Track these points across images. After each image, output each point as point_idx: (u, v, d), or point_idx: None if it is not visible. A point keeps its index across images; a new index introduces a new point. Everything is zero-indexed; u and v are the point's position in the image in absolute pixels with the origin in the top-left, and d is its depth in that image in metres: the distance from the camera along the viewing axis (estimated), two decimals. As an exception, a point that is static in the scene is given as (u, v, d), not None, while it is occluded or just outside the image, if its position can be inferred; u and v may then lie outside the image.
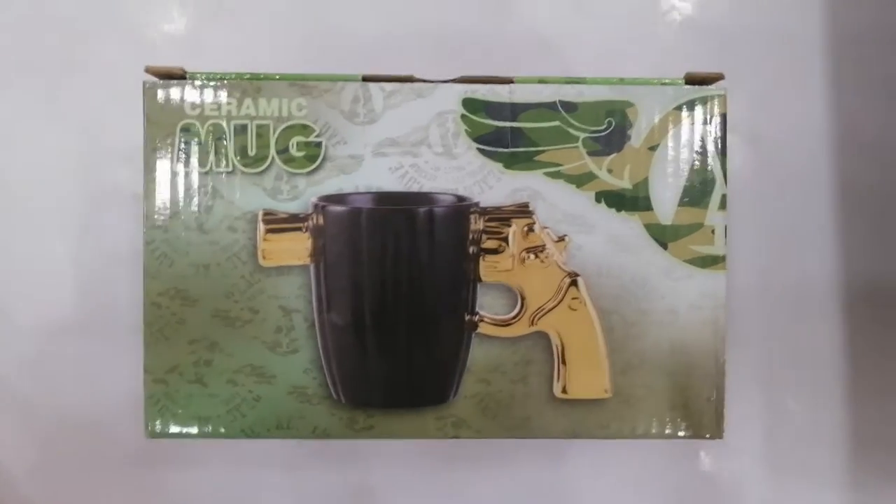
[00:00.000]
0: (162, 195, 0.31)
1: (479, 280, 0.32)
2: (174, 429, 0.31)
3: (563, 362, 0.32)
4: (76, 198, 0.42)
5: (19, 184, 0.42)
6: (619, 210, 0.32)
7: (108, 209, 0.41)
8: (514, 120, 0.32)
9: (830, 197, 0.44)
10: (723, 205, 0.32)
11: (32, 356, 0.41)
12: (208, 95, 0.31)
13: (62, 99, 0.42)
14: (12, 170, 0.42)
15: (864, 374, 0.43)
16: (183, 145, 0.31)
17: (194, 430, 0.31)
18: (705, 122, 0.32)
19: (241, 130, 0.31)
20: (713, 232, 0.32)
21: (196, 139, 0.31)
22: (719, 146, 0.32)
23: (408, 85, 0.31)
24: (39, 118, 0.42)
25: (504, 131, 0.31)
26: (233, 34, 0.42)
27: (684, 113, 0.32)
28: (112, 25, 0.42)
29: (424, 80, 0.32)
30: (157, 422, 0.31)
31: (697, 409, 0.32)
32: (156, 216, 0.31)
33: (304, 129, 0.31)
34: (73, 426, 0.41)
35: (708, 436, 0.32)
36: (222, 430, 0.31)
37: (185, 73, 0.31)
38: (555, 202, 0.32)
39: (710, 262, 0.32)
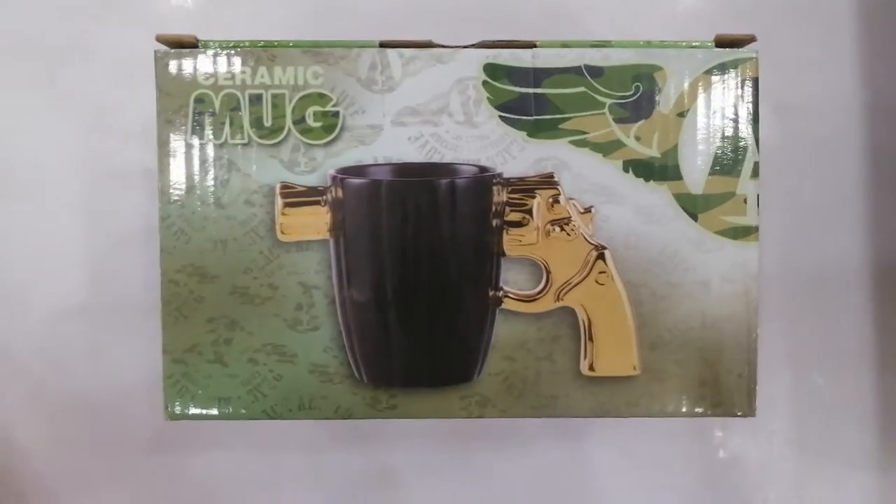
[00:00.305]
0: (177, 169, 0.30)
1: (503, 254, 0.31)
2: (194, 410, 0.30)
3: (591, 339, 0.31)
4: (89, 177, 0.41)
5: (32, 165, 0.41)
6: (647, 180, 0.31)
7: (121, 188, 0.41)
8: (537, 86, 0.30)
9: (861, 167, 0.42)
10: (755, 173, 0.31)
11: (48, 338, 0.41)
12: (222, 64, 0.30)
13: (72, 77, 0.41)
14: (24, 151, 0.41)
15: (892, 353, 0.42)
16: (197, 116, 0.30)
17: (215, 411, 0.30)
18: (737, 87, 0.31)
19: (257, 100, 0.30)
20: (745, 201, 0.31)
21: (210, 110, 0.30)
22: (751, 112, 0.31)
23: (427, 51, 0.30)
24: (49, 98, 0.41)
25: (527, 98, 0.30)
26: (246, 7, 0.41)
27: (715, 77, 0.31)
28: (119, 3, 0.41)
29: (444, 46, 0.30)
30: (177, 403, 0.30)
31: (728, 386, 0.31)
32: (171, 191, 0.30)
33: (321, 98, 0.30)
34: (91, 409, 0.41)
35: (740, 413, 0.31)
36: (243, 410, 0.30)
37: (198, 41, 0.30)
38: (581, 172, 0.30)
39: (743, 232, 0.31)
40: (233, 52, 0.30)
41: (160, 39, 0.30)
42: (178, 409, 0.30)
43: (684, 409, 0.31)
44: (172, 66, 0.30)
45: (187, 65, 0.30)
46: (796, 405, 0.42)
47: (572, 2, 0.41)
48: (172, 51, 0.30)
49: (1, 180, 0.41)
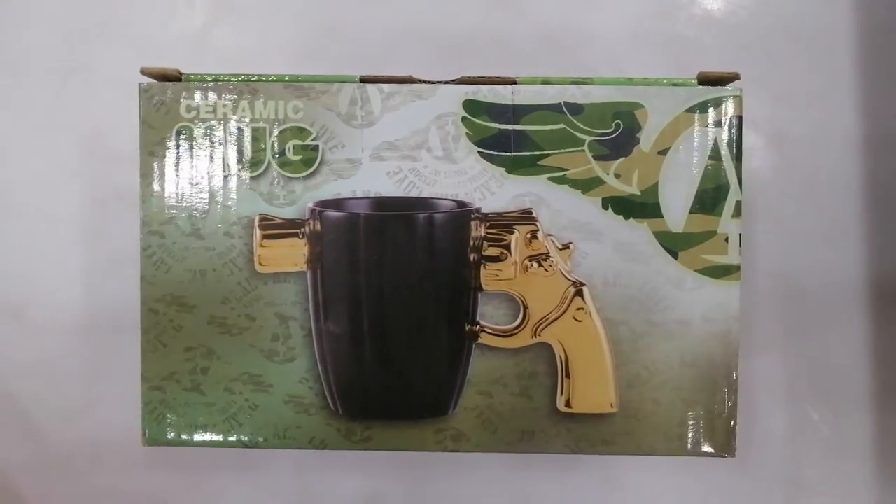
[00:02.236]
0: (158, 200, 0.30)
1: (481, 289, 0.31)
2: (171, 436, 0.31)
3: (567, 375, 0.31)
4: (81, 200, 0.42)
5: (23, 187, 0.42)
6: (627, 217, 0.31)
7: (113, 211, 0.41)
8: (516, 123, 0.30)
9: (857, 198, 0.42)
10: (737, 212, 0.31)
11: (36, 358, 0.41)
12: (204, 97, 0.30)
13: (65, 101, 0.42)
14: (17, 172, 0.42)
15: (891, 385, 0.41)
16: (179, 149, 0.30)
17: (191, 437, 0.31)
18: (719, 125, 0.31)
19: (238, 133, 0.30)
20: (727, 240, 0.31)
21: (192, 142, 0.30)
22: (734, 150, 0.31)
23: (407, 86, 0.30)
24: (43, 121, 0.42)
25: (507, 134, 0.30)
26: (233, 36, 0.42)
27: (697, 115, 0.30)
28: (112, 27, 0.42)
29: (424, 81, 0.31)
30: (155, 429, 0.31)
31: (708, 425, 0.31)
32: (152, 221, 0.30)
33: (301, 132, 0.30)
34: (75, 429, 0.41)
35: (719, 453, 0.31)
36: (219, 438, 0.31)
37: (181, 74, 0.30)
38: (559, 208, 0.30)
39: (723, 272, 0.31)
40: (215, 85, 0.30)
41: (145, 72, 0.30)
42: (155, 435, 0.31)
43: (661, 448, 0.31)
44: (156, 97, 0.30)
45: (171, 97, 0.30)
46: (791, 441, 0.42)
47: (558, 37, 0.41)
48: (157, 83, 0.30)
49: None
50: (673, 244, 0.31)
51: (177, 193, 0.30)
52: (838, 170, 0.42)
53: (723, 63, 0.33)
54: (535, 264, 0.31)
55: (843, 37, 0.42)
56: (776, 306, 0.42)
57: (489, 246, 0.31)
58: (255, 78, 0.30)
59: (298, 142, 0.30)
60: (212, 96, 0.30)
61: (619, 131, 0.30)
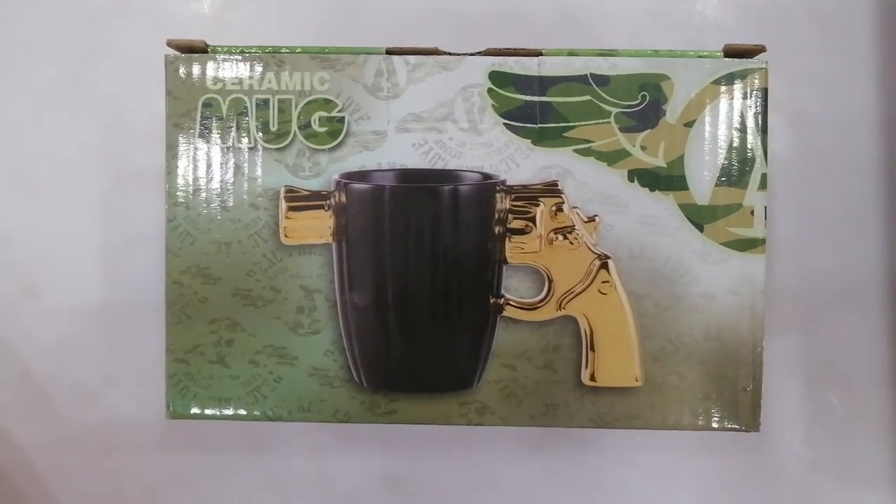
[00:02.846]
0: (183, 172, 0.30)
1: (505, 261, 0.31)
2: (195, 409, 0.31)
3: (592, 348, 0.30)
4: (101, 180, 0.42)
5: (43, 166, 0.42)
6: (652, 189, 0.30)
7: (133, 191, 0.41)
8: (542, 94, 0.30)
9: (878, 179, 0.42)
10: (763, 184, 0.31)
11: (58, 337, 0.41)
12: (230, 69, 0.30)
13: (86, 79, 0.42)
14: (36, 151, 0.42)
15: (911, 368, 0.41)
16: (205, 120, 0.30)
17: (215, 411, 0.31)
18: (745, 97, 0.30)
19: (263, 105, 0.30)
20: (752, 213, 0.31)
21: (218, 114, 0.30)
22: (760, 122, 0.30)
23: (432, 58, 0.30)
24: (63, 99, 0.42)
25: (532, 106, 0.30)
26: (257, 8, 0.42)
27: (723, 87, 0.30)
28: (133, 6, 0.42)
29: (450, 53, 0.30)
30: (179, 402, 0.31)
31: (733, 400, 0.31)
32: (178, 193, 0.30)
33: (327, 103, 0.30)
34: (97, 407, 0.41)
35: (743, 428, 0.31)
36: (243, 411, 0.30)
37: (207, 46, 0.30)
38: (585, 181, 0.30)
39: (749, 244, 0.30)
40: (241, 57, 0.30)
41: (171, 44, 0.30)
42: (179, 408, 0.31)
43: (686, 422, 0.31)
44: (182, 70, 0.30)
45: (196, 69, 0.30)
46: (809, 422, 0.42)
47: (581, 9, 0.41)
48: (183, 55, 0.30)
49: (17, 177, 0.42)
50: (698, 217, 0.30)
51: (202, 165, 0.30)
52: (858, 151, 0.42)
53: (740, 41, 0.33)
54: (561, 237, 0.30)
55: (863, 17, 0.42)
56: (794, 288, 0.41)
57: (514, 218, 0.30)
58: (282, 49, 0.30)
59: (324, 113, 0.30)
60: (238, 68, 0.30)
61: (645, 103, 0.30)
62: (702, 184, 0.30)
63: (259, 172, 0.30)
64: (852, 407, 0.41)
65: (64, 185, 0.42)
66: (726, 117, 0.30)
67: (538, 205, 0.30)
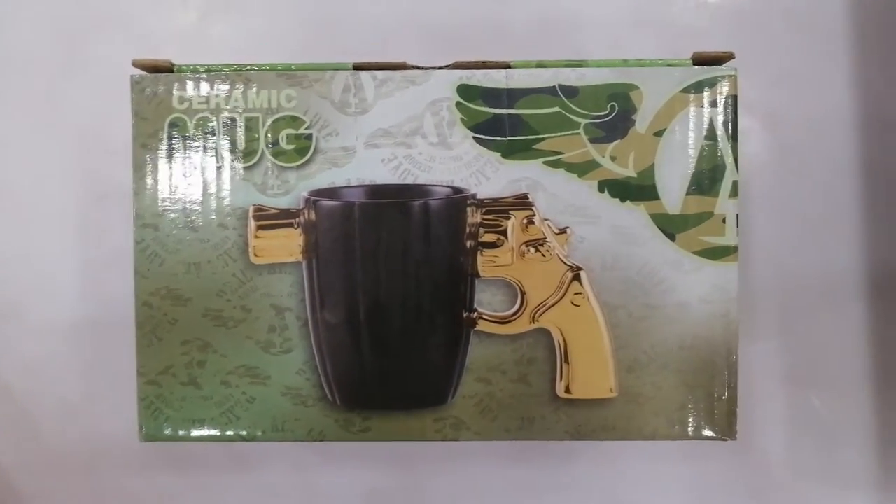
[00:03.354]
0: (151, 192, 0.30)
1: (477, 275, 0.30)
2: (168, 431, 0.30)
3: (566, 361, 0.30)
4: (76, 197, 0.41)
5: (18, 183, 0.42)
6: (623, 200, 0.30)
7: (108, 208, 0.41)
8: (511, 107, 0.30)
9: (853, 181, 0.42)
10: (734, 192, 0.30)
11: (34, 355, 0.41)
12: (196, 88, 0.30)
13: (60, 96, 0.42)
14: (12, 169, 0.42)
15: (891, 370, 0.41)
16: (172, 140, 0.30)
17: (188, 432, 0.30)
18: (714, 105, 0.30)
19: (231, 124, 0.30)
20: (724, 221, 0.30)
21: (185, 134, 0.30)
22: (730, 130, 0.30)
23: (400, 72, 0.30)
24: (37, 116, 0.42)
25: (501, 119, 0.30)
26: (226, 30, 0.42)
27: (692, 95, 0.30)
28: (106, 21, 0.42)
29: (417, 67, 0.30)
30: (151, 424, 0.30)
31: (709, 409, 0.31)
32: (146, 214, 0.30)
33: (294, 120, 0.30)
34: (77, 426, 0.41)
35: (720, 436, 0.31)
36: (216, 432, 0.30)
37: (173, 66, 0.30)
38: (555, 192, 0.30)
39: (721, 253, 0.30)
40: (207, 76, 0.30)
41: (136, 64, 0.30)
42: (151, 431, 0.30)
43: (662, 433, 0.31)
44: (148, 90, 0.30)
45: (163, 88, 0.30)
46: (791, 426, 0.42)
47: (550, 21, 0.41)
48: (149, 75, 0.30)
49: (-6, 198, 0.42)
50: (670, 226, 0.30)
51: (170, 185, 0.30)
52: (834, 153, 0.42)
53: (717, 46, 0.33)
54: (532, 249, 0.30)
55: (839, 19, 0.42)
56: (773, 291, 0.41)
57: (485, 232, 0.30)
58: (248, 67, 0.30)
59: (292, 131, 0.30)
60: (204, 87, 0.30)
61: (614, 113, 0.30)
62: (673, 193, 0.30)
63: (227, 191, 0.30)
64: (834, 409, 0.41)
65: (41, 202, 0.41)
66: (696, 126, 0.30)
67: (509, 218, 0.30)
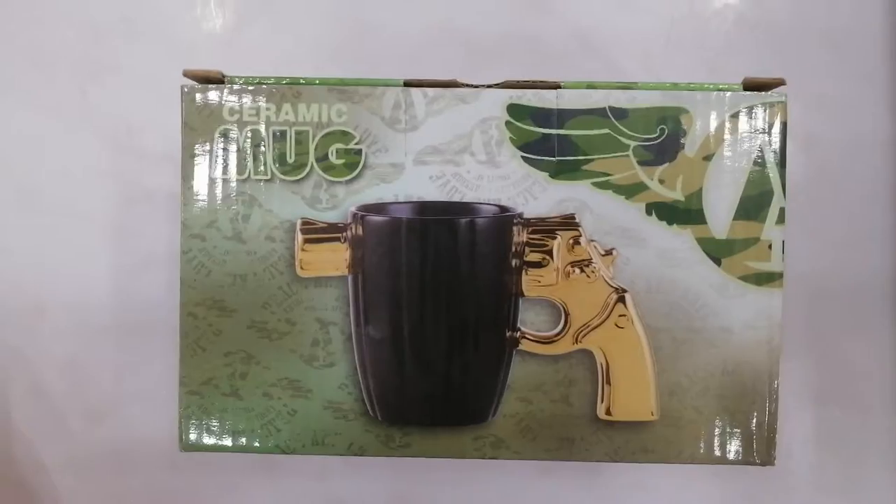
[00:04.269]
0: (199, 203, 0.30)
1: (522, 294, 0.30)
2: (208, 441, 0.30)
3: (608, 382, 0.30)
4: (110, 200, 0.41)
5: (53, 185, 0.42)
6: (670, 223, 0.30)
7: (142, 211, 0.41)
8: (560, 127, 0.30)
9: (888, 204, 0.41)
10: (781, 219, 0.30)
11: (68, 357, 0.41)
12: (247, 100, 0.30)
13: (100, 101, 0.42)
14: (46, 171, 0.42)
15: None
16: (221, 151, 0.30)
17: (228, 443, 0.30)
18: (764, 131, 0.30)
19: (281, 137, 0.30)
20: (770, 247, 0.30)
21: (234, 145, 0.30)
22: (779, 156, 0.30)
23: (451, 90, 0.30)
24: (76, 120, 0.42)
25: (550, 139, 0.30)
26: (264, 35, 0.42)
27: (742, 120, 0.30)
28: (149, 26, 0.42)
29: (468, 85, 0.30)
30: (192, 434, 0.30)
31: (748, 434, 0.31)
32: (193, 224, 0.30)
33: (344, 135, 0.30)
34: (110, 431, 0.41)
35: (759, 462, 0.31)
36: (256, 444, 0.30)
37: (224, 77, 0.30)
38: (602, 214, 0.30)
39: (766, 279, 0.30)
40: (258, 88, 0.30)
41: (187, 74, 0.30)
42: (192, 440, 0.30)
43: (701, 456, 0.31)
44: (199, 100, 0.30)
45: (213, 99, 0.30)
46: (820, 446, 0.42)
47: (596, 39, 0.41)
48: (199, 85, 0.30)
49: (28, 195, 0.42)
50: (716, 251, 0.30)
51: (218, 197, 0.30)
52: (870, 176, 0.41)
53: (753, 66, 0.33)
54: (578, 270, 0.30)
55: (876, 41, 0.42)
56: (804, 310, 0.41)
57: (531, 251, 0.30)
58: (300, 80, 0.30)
59: (342, 146, 0.30)
60: (255, 99, 0.30)
61: (663, 136, 0.30)
62: (720, 218, 0.30)
63: (275, 204, 0.30)
64: (863, 431, 0.41)
65: (74, 205, 0.41)
66: (745, 151, 0.30)
67: (555, 238, 0.30)
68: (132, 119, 0.41)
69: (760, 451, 0.31)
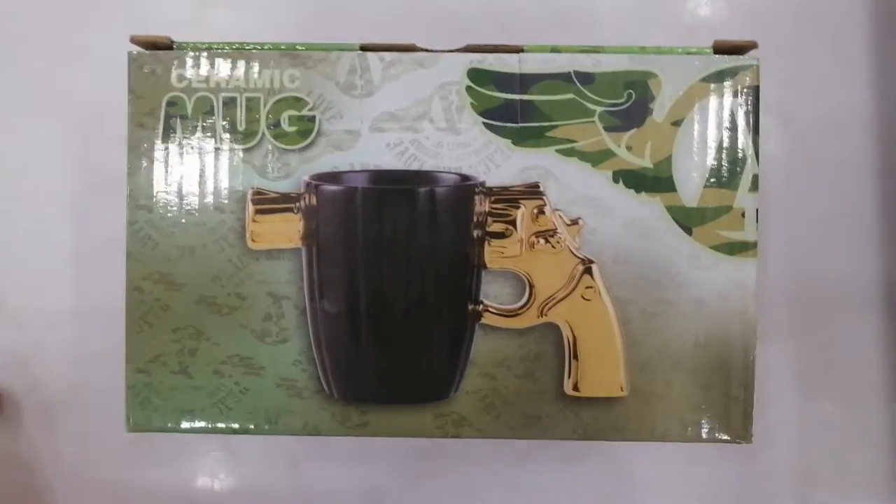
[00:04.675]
0: (146, 173, 0.29)
1: (484, 266, 0.29)
2: (156, 422, 0.29)
3: (575, 357, 0.29)
4: (70, 185, 0.40)
5: (11, 170, 0.40)
6: (638, 191, 0.29)
7: (103, 196, 0.40)
8: (523, 92, 0.29)
9: (871, 179, 0.40)
10: (754, 186, 0.29)
11: (25, 342, 0.40)
12: (196, 67, 0.29)
13: (57, 81, 0.40)
14: (9, 152, 0.40)
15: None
16: (169, 120, 0.29)
17: (177, 424, 0.29)
18: (735, 95, 0.29)
19: (230, 104, 0.29)
20: (743, 215, 0.29)
21: (182, 113, 0.29)
22: (751, 122, 0.29)
23: (409, 54, 0.29)
24: (32, 104, 0.41)
25: (513, 105, 0.29)
26: (227, 14, 0.41)
27: (712, 85, 0.29)
28: (104, 8, 0.41)
29: (427, 50, 0.29)
30: (139, 414, 0.29)
31: (724, 410, 0.29)
32: (140, 195, 0.29)
33: (297, 102, 0.29)
34: (63, 413, 0.40)
35: (735, 439, 0.29)
36: (207, 424, 0.29)
37: (172, 42, 0.29)
38: (568, 182, 0.29)
39: (740, 248, 0.29)
40: (207, 53, 0.29)
41: (135, 41, 0.29)
42: (139, 421, 0.29)
43: (674, 434, 0.29)
44: (146, 68, 0.29)
45: (161, 66, 0.29)
46: (803, 431, 0.40)
47: (565, 6, 0.40)
48: (147, 52, 0.29)
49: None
50: (687, 219, 0.29)
51: (166, 166, 0.29)
52: (850, 153, 0.40)
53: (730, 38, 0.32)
54: (542, 241, 0.29)
55: (855, 16, 0.41)
56: (786, 292, 0.40)
57: (494, 221, 0.29)
58: (250, 46, 0.29)
59: (294, 112, 0.29)
60: (204, 65, 0.29)
61: (631, 101, 0.29)
62: (690, 185, 0.29)
63: (225, 174, 0.29)
64: (847, 414, 0.40)
65: (34, 188, 0.40)
66: (716, 116, 0.29)
67: (519, 207, 0.29)
68: (94, 102, 0.40)
69: (736, 427, 0.29)
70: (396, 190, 0.29)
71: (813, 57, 0.40)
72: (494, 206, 0.29)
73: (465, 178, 0.29)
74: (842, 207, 0.40)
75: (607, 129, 0.29)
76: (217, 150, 0.29)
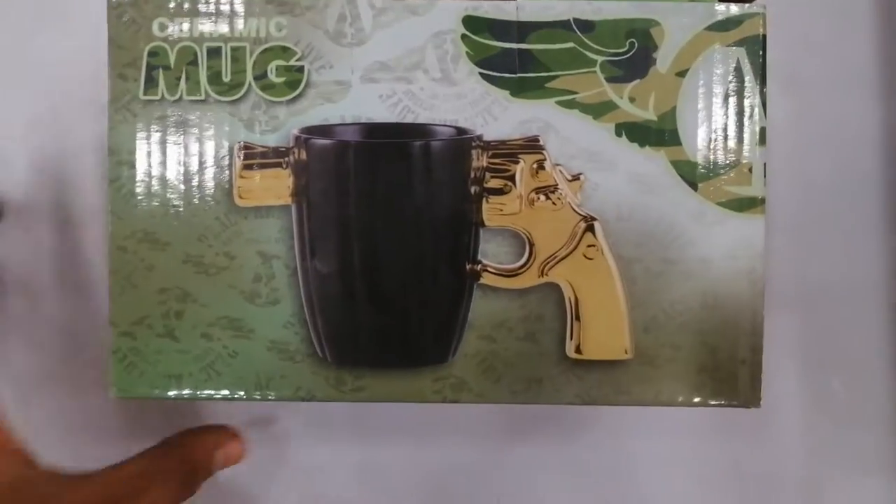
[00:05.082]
0: (127, 127, 0.28)
1: (482, 224, 0.28)
2: (142, 388, 0.28)
3: (577, 318, 0.28)
4: (49, 152, 0.39)
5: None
6: (642, 145, 0.28)
7: (82, 164, 0.39)
8: (522, 41, 0.28)
9: (876, 150, 0.39)
10: (762, 140, 0.28)
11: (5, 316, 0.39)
12: (178, 15, 0.27)
13: (32, 47, 0.39)
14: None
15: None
16: (151, 71, 0.27)
17: (164, 390, 0.28)
18: (741, 45, 0.28)
19: (215, 54, 0.27)
20: (751, 170, 0.28)
21: (165, 64, 0.27)
22: (758, 72, 0.28)
23: (400, 1, 0.28)
24: (7, 68, 0.39)
25: (511, 54, 0.28)
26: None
27: (718, 34, 0.28)
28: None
29: (420, -3, 0.28)
30: (125, 380, 0.28)
31: (731, 373, 0.28)
32: (121, 150, 0.28)
33: (285, 51, 0.27)
34: (47, 381, 0.39)
35: (743, 403, 0.28)
36: (195, 390, 0.28)
37: (153, -9, 0.28)
38: (569, 135, 0.28)
39: (748, 204, 0.28)
40: (190, 1, 0.27)
41: (113, -13, 0.28)
42: (125, 387, 0.28)
43: (681, 398, 0.28)
44: (126, 16, 0.28)
45: (142, 15, 0.27)
46: (809, 407, 0.39)
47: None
48: (127, 0, 0.28)
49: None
50: (692, 174, 0.28)
51: (147, 119, 0.28)
52: (857, 118, 0.39)
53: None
54: (543, 197, 0.28)
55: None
56: (792, 265, 0.39)
57: (492, 177, 0.28)
58: (234, -9, 0.28)
59: (282, 62, 0.27)
60: (187, 13, 0.27)
61: (633, 50, 0.28)
62: (695, 139, 0.28)
63: (211, 127, 0.28)
64: (854, 390, 0.39)
65: (10, 156, 0.39)
66: (722, 67, 0.28)
67: (518, 162, 0.28)
68: (67, 66, 0.39)
69: (744, 391, 0.28)
70: (390, 144, 0.27)
71: (820, 17, 0.39)
72: (492, 160, 0.28)
73: (461, 131, 0.28)
74: (849, 175, 0.39)
75: (609, 79, 0.28)
76: (201, 102, 0.28)
